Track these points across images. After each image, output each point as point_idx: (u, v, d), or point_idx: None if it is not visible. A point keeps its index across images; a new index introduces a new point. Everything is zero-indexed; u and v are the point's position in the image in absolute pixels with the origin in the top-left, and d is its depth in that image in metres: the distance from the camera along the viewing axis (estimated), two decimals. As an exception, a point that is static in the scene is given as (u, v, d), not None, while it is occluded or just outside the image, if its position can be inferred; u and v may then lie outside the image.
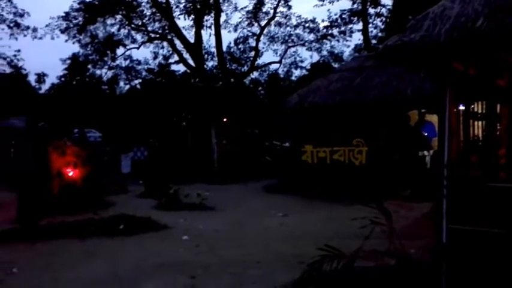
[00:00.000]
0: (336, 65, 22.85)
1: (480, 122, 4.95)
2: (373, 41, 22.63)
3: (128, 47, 22.73)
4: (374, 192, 7.32)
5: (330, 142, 11.22)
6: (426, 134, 10.53)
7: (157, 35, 21.67)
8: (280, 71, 26.22)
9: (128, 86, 26.58)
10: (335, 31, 22.44)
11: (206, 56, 22.97)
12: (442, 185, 3.67)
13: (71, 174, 9.07)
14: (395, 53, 3.69)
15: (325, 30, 22.44)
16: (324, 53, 23.83)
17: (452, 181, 3.68)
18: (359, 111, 10.57)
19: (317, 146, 11.49)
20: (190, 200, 9.69)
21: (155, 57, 24.01)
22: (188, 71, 22.58)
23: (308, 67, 25.69)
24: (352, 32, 22.43)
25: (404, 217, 7.29)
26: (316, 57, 24.82)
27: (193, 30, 20.47)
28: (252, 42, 23.29)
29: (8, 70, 23.09)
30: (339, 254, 3.47)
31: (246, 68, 24.18)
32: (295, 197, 10.38)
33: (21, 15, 20.17)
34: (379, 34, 22.81)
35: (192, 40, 20.12)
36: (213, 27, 20.49)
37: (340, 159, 11.03)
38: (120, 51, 22.90)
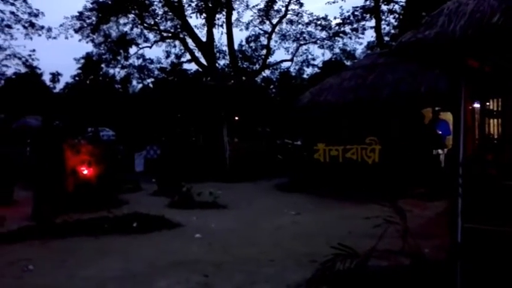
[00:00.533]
0: (348, 63, 22.74)
1: (496, 120, 4.87)
2: (386, 38, 22.45)
3: (140, 46, 22.93)
4: (387, 191, 7.26)
5: (343, 140, 11.15)
6: (440, 132, 10.40)
7: (170, 34, 21.80)
8: (291, 69, 26.20)
9: (140, 85, 26.83)
10: (347, 28, 22.32)
11: (218, 54, 23.04)
12: (457, 183, 3.62)
13: (85, 172, 9.18)
14: (409, 50, 3.65)
15: (337, 27, 22.32)
16: (336, 50, 23.72)
17: (467, 180, 3.63)
18: (372, 109, 10.49)
19: (329, 145, 11.43)
20: (203, 199, 9.73)
21: (167, 56, 24.20)
22: (200, 69, 22.66)
23: (320, 65, 25.64)
24: (364, 29, 22.27)
25: (418, 216, 7.21)
26: (328, 55, 24.73)
27: (205, 28, 20.55)
28: (263, 40, 23.31)
29: (23, 70, 23.45)
30: (353, 252, 3.45)
31: (257, 66, 24.19)
32: (308, 196, 10.35)
33: (36, 15, 20.45)
34: (392, 31, 22.61)
35: (204, 39, 20.19)
36: (224, 25, 20.55)
37: (353, 158, 10.95)
38: (132, 50, 23.13)
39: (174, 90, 22.15)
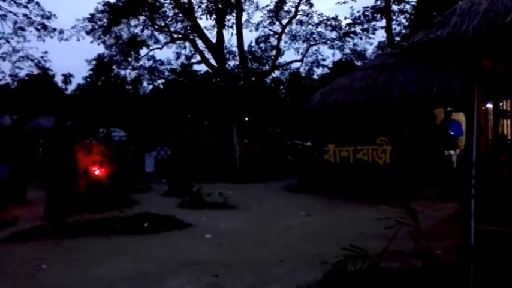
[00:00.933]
0: (358, 63, 22.58)
1: (509, 120, 4.81)
2: (397, 39, 22.26)
3: (151, 48, 23.04)
4: (399, 192, 7.21)
5: (353, 141, 11.09)
6: (453, 133, 10.30)
7: (180, 36, 21.89)
8: (301, 70, 26.10)
9: (151, 86, 27.01)
10: (358, 29, 22.16)
11: (228, 55, 23.06)
12: (470, 184, 3.59)
13: (97, 172, 9.27)
14: (421, 50, 3.63)
15: (347, 27, 22.17)
16: (347, 51, 23.55)
17: (480, 181, 3.59)
18: (383, 110, 10.42)
19: (340, 145, 11.38)
20: (213, 199, 9.76)
21: (178, 58, 24.26)
22: (210, 70, 22.72)
23: (330, 65, 25.51)
24: (375, 29, 22.11)
25: (430, 217, 7.15)
26: (338, 55, 24.54)
27: (215, 30, 20.60)
28: (273, 41, 23.25)
29: (35, 71, 23.74)
30: (364, 254, 3.44)
31: (267, 67, 24.15)
32: (318, 197, 10.31)
33: (48, 18, 20.65)
34: (403, 31, 22.41)
35: (214, 40, 20.23)
36: (234, 26, 20.55)
37: (364, 159, 10.89)
38: (143, 51, 23.25)
39: (185, 91, 22.27)
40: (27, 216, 8.37)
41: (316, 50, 24.01)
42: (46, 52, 22.60)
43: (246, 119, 17.93)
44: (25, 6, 19.59)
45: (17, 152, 13.27)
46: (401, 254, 3.50)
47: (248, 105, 18.17)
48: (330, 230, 7.10)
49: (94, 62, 25.85)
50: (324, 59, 24.78)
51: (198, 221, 7.85)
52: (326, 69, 25.71)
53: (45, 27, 20.64)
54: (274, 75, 25.94)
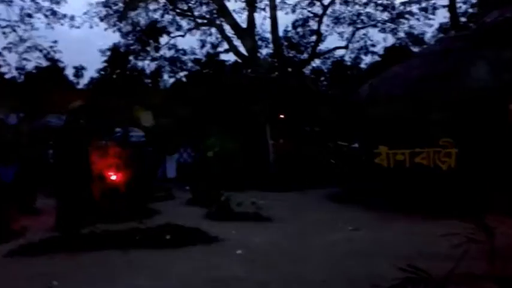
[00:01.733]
0: (416, 49, 22.18)
1: None
2: (462, 19, 21.70)
3: (172, 35, 23.54)
4: (467, 204, 7.02)
5: (410, 142, 10.88)
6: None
7: (205, 21, 22.21)
8: (346, 58, 25.88)
9: (172, 79, 27.50)
10: (414, 8, 21.79)
11: (260, 42, 23.21)
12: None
13: (113, 178, 9.54)
14: (495, 32, 3.52)
15: (402, 7, 21.86)
16: (401, 34, 23.19)
17: None
18: (446, 104, 10.18)
19: (394, 147, 11.19)
20: (244, 209, 9.84)
21: (202, 46, 24.65)
22: (239, 60, 22.93)
23: (381, 52, 25.15)
24: (435, 8, 21.65)
25: (506, 234, 6.91)
26: (390, 40, 24.21)
27: (246, 13, 20.77)
28: (313, 24, 23.20)
29: (44, 63, 24.61)
30: (427, 276, 3.37)
31: (305, 55, 24.12)
32: (367, 208, 10.21)
33: (58, 2, 21.42)
34: (470, 10, 21.83)
35: (243, 25, 20.41)
36: (267, 8, 20.66)
37: (423, 163, 10.65)
38: (163, 40, 23.77)
39: (210, 84, 22.53)
40: (37, 226, 8.72)
41: (364, 35, 23.83)
42: (56, 42, 23.47)
43: (282, 116, 17.93)
44: (32, -10, 20.37)
45: (24, 153, 13.78)
46: (472, 276, 3.41)
47: (283, 100, 18.16)
48: (382, 247, 7.00)
49: (109, 53, 26.57)
50: (373, 45, 24.54)
51: (227, 234, 7.93)
52: (376, 56, 25.40)
53: (54, 13, 21.45)
54: (314, 64, 25.87)
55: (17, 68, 24.58)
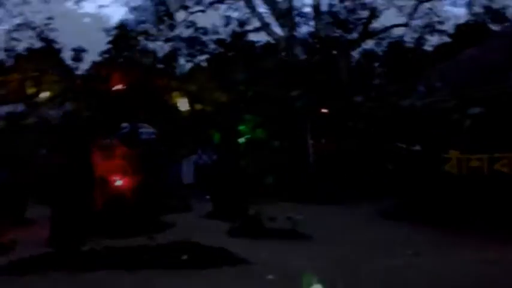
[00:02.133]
0: (495, 28, 21.75)
1: None
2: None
3: (190, 11, 23.71)
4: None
5: (488, 146, 10.73)
6: None
7: (231, -8, 22.33)
8: (407, 38, 25.56)
9: (190, 64, 27.67)
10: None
11: (298, 19, 23.17)
12: None
13: (118, 183, 9.67)
14: None
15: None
16: (477, 9, 22.76)
17: None
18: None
19: (467, 152, 11.08)
20: (277, 225, 9.85)
21: (227, 24, 24.74)
22: (272, 41, 22.94)
23: (451, 31, 24.75)
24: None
25: None
26: (464, 16, 23.80)
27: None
28: (365, -4, 23.04)
29: (37, 45, 25.05)
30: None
31: (355, 35, 23.95)
32: (432, 227, 10.14)
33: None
34: None
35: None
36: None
37: (504, 171, 10.49)
38: (180, 16, 23.92)
39: (236, 70, 22.60)
40: (28, 240, 8.92)
41: (429, 9, 23.47)
42: (51, 18, 23.89)
43: (324, 110, 17.83)
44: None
45: (12, 153, 14.10)
46: None
47: (327, 90, 18.07)
48: (451, 277, 6.91)
49: (115, 32, 26.89)
50: (441, 22, 24.13)
51: (256, 255, 7.94)
52: (445, 36, 24.98)
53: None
54: (365, 46, 25.61)
55: (6, 50, 25.13)
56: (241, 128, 15.60)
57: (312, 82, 18.18)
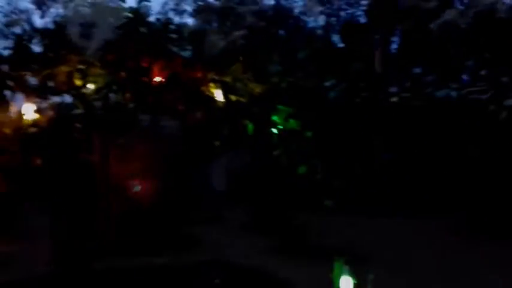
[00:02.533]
0: None
1: None
2: None
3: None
4: None
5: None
6: None
7: None
8: (500, 7, 24.95)
9: (222, 42, 27.76)
10: None
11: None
12: None
13: (137, 189, 9.76)
14: None
15: None
16: None
17: None
18: None
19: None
20: (328, 242, 9.90)
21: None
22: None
23: None
24: None
25: None
26: None
27: None
28: None
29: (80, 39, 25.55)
30: None
31: (432, 3, 23.60)
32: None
33: None
34: None
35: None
36: None
37: None
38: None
39: (280, 50, 22.63)
40: (25, 255, 9.09)
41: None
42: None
43: (394, 99, 17.72)
44: None
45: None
46: None
47: (391, 75, 17.97)
48: None
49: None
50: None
51: (303, 277, 7.99)
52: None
53: None
54: (447, 17, 25.13)
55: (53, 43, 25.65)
56: (274, 118, 15.70)
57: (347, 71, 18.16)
